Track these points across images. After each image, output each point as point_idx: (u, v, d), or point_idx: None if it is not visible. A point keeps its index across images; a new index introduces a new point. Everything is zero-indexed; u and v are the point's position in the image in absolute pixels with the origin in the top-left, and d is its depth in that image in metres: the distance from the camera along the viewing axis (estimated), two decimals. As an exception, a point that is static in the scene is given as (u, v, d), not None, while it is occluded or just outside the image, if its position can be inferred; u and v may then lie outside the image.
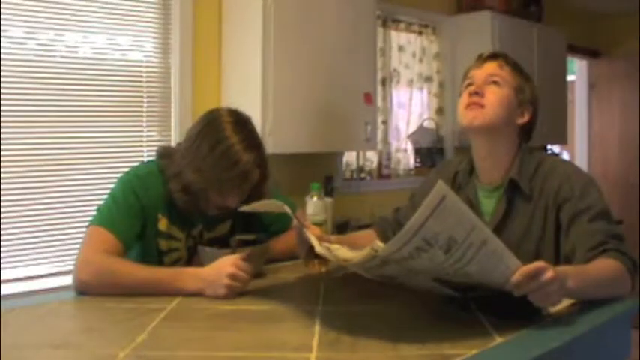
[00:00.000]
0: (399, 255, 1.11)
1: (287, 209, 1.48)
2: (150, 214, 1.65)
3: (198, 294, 1.44)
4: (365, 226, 2.62)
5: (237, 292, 1.45)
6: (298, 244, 1.63)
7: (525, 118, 1.62)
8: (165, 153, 1.72)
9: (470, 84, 1.61)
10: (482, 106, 1.57)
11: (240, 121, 1.66)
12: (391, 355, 1.07)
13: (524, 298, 1.18)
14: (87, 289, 1.48)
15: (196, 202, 1.64)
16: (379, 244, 1.12)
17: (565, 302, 1.31)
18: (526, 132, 1.64)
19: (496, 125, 1.57)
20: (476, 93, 1.57)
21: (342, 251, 1.39)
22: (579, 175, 1.56)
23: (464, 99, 1.60)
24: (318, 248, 1.38)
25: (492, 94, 1.57)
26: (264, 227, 1.82)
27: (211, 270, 1.47)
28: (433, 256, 1.09)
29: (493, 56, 1.64)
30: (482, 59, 1.64)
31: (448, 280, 1.23)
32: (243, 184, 1.62)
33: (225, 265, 1.45)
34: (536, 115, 1.65)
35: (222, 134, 1.60)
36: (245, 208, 1.59)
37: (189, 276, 1.48)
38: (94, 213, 1.64)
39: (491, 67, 1.61)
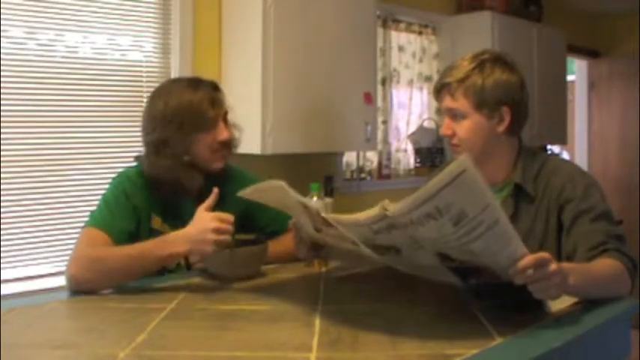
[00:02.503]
0: (408, 218, 1.09)
1: (285, 186, 1.43)
2: (143, 213, 1.65)
3: (198, 293, 1.44)
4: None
5: (224, 245, 1.47)
6: (297, 243, 1.60)
7: (506, 121, 1.56)
8: (139, 156, 1.76)
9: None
10: (457, 145, 1.59)
11: (175, 78, 1.76)
12: (391, 355, 1.07)
13: (524, 291, 1.17)
14: (79, 283, 1.48)
15: (195, 164, 1.66)
16: (389, 203, 1.11)
17: (567, 302, 1.32)
18: (516, 128, 1.60)
19: (478, 153, 1.56)
20: (446, 135, 1.60)
21: (346, 216, 1.35)
22: (582, 176, 1.56)
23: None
24: (324, 215, 1.33)
25: (460, 130, 1.57)
26: (260, 229, 1.81)
27: (194, 228, 1.47)
28: (441, 226, 1.08)
29: (440, 89, 1.60)
30: (435, 90, 1.62)
31: (451, 258, 1.20)
32: (216, 107, 1.69)
33: (208, 221, 1.46)
34: (518, 104, 1.57)
35: (165, 92, 1.69)
36: (242, 193, 1.56)
37: (174, 238, 1.49)
38: (87, 219, 1.64)
39: (446, 102, 1.59)
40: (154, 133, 1.67)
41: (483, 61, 1.56)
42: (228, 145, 1.73)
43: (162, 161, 1.65)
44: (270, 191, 1.49)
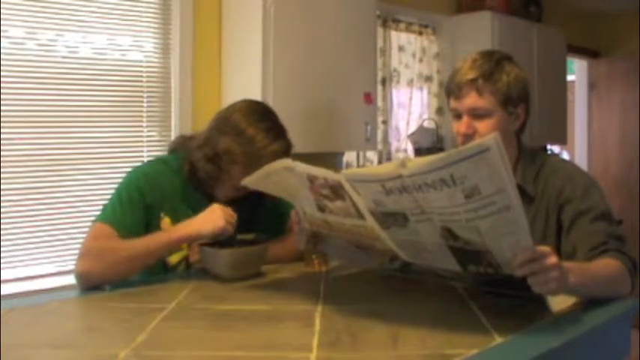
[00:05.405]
0: (422, 180, 1.09)
1: (292, 162, 1.39)
2: (153, 212, 1.66)
3: (198, 293, 1.44)
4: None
5: (233, 226, 1.57)
6: (297, 233, 1.54)
7: (521, 119, 1.57)
8: (181, 140, 1.79)
9: (457, 115, 1.55)
10: None
11: (263, 110, 1.75)
12: (391, 355, 1.07)
13: (524, 284, 1.17)
14: (90, 277, 1.50)
15: (216, 177, 1.67)
16: (410, 158, 1.11)
17: (567, 302, 1.32)
18: (524, 127, 1.61)
19: None
20: (467, 134, 1.53)
21: (362, 169, 1.30)
22: (581, 177, 1.56)
23: (457, 134, 1.56)
24: (337, 175, 1.26)
25: (483, 128, 1.51)
26: (261, 229, 1.80)
27: (202, 214, 1.57)
28: (453, 196, 1.08)
29: (462, 87, 1.52)
30: (457, 87, 1.53)
31: (455, 235, 1.18)
32: None
33: (214, 205, 1.58)
34: (529, 103, 1.58)
35: (244, 124, 1.66)
36: (246, 181, 1.53)
37: (183, 223, 1.58)
38: (99, 212, 1.65)
39: (470, 99, 1.51)
40: (220, 136, 1.66)
41: (500, 59, 1.54)
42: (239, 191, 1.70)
43: (207, 165, 1.66)
44: (274, 175, 1.46)
